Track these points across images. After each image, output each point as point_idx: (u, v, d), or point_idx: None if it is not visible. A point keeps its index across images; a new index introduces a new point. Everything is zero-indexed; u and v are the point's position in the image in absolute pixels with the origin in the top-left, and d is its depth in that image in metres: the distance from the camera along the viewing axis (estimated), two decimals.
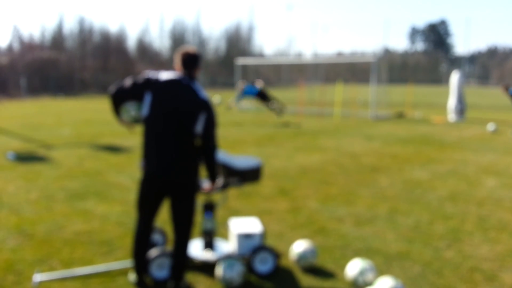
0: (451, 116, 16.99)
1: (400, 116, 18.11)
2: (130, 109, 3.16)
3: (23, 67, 29.12)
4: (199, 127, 3.04)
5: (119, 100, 3.16)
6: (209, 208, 3.70)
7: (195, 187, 3.17)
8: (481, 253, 4.10)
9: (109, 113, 16.63)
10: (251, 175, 3.74)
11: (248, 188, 6.23)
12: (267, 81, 47.15)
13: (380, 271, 3.60)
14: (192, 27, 53.64)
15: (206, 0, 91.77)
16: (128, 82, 3.15)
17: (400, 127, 14.30)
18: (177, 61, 3.15)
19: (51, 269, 3.61)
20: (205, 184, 3.40)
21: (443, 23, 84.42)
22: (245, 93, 16.70)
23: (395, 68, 62.03)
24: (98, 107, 20.47)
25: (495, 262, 3.90)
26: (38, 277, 3.40)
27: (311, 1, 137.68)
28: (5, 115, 17.06)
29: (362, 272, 3.32)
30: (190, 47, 3.22)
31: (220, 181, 3.31)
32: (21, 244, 4.10)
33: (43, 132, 11.66)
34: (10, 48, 34.59)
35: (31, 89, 27.92)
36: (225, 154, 3.72)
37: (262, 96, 16.34)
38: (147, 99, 3.07)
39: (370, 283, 3.26)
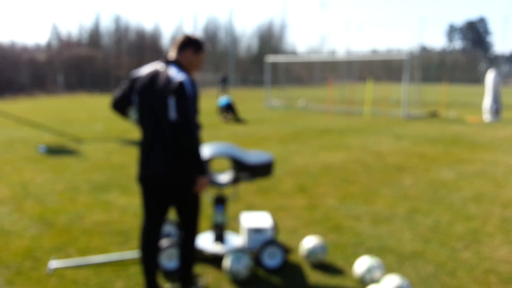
0: (486, 116, 16.43)
1: (433, 115, 17.65)
2: (132, 115, 3.04)
3: (61, 64, 30.10)
4: (172, 113, 2.73)
5: (118, 110, 3.06)
6: (220, 201, 3.74)
7: (190, 183, 2.87)
8: (500, 255, 3.97)
9: None
10: (262, 170, 3.75)
11: (267, 183, 6.25)
12: (299, 80, 47.15)
13: (391, 270, 3.54)
14: (224, 25, 53.94)
15: None
16: (119, 90, 3.03)
17: (432, 126, 13.94)
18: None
19: (67, 256, 3.73)
20: (200, 180, 2.88)
21: (482, 21, 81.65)
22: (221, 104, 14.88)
23: (432, 67, 60.58)
24: None
25: None
26: (53, 264, 3.53)
27: None
28: (42, 110, 17.69)
29: (369, 270, 3.28)
30: (197, 33, 3.10)
31: (207, 177, 2.89)
32: (41, 233, 4.27)
33: (75, 127, 12.03)
34: (49, 46, 35.83)
35: (68, 86, 28.86)
36: (237, 149, 3.75)
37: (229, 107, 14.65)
38: (134, 101, 2.93)
39: (377, 281, 3.21)
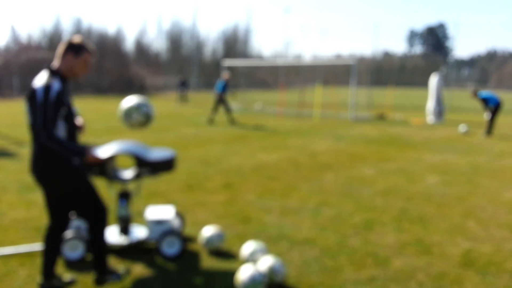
0: (430, 118, 17.30)
1: (380, 117, 18.42)
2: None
3: (17, 68, 29.57)
4: (30, 117, 2.99)
5: None
6: (124, 196, 4.04)
7: (55, 183, 3.15)
8: (384, 241, 4.41)
9: (95, 113, 17.20)
10: (163, 166, 4.05)
11: (195, 181, 6.58)
12: (265, 84, 47.72)
13: (280, 254, 3.92)
14: (189, 28, 53.95)
15: (204, 1, 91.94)
16: None
17: (375, 128, 14.60)
18: None
19: None
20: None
21: (441, 26, 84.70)
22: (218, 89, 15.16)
23: (393, 71, 62.47)
24: (90, 107, 20.82)
25: (393, 249, 4.21)
26: None
27: (309, 4, 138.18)
28: None
29: (253, 253, 3.65)
30: (77, 37, 3.27)
31: (91, 152, 3.15)
32: None
33: (21, 130, 12.01)
34: (7, 49, 35.04)
35: (23, 89, 28.37)
36: (139, 147, 4.05)
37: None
38: None
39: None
